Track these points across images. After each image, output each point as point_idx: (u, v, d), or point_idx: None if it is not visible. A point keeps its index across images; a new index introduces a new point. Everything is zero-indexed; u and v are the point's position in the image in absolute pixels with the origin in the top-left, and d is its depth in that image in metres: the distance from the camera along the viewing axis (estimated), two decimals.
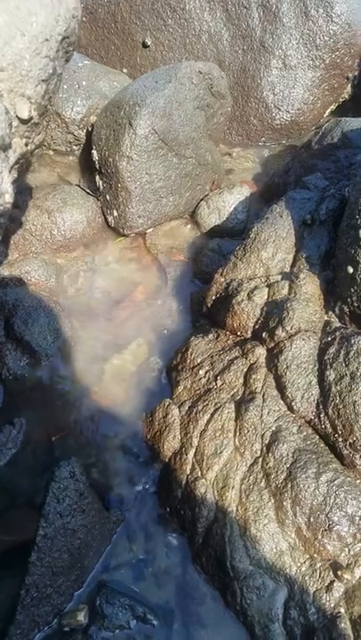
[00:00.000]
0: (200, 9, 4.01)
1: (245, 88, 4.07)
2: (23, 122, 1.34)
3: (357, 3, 3.83)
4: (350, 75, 4.10)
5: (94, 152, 3.35)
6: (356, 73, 4.12)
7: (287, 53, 3.93)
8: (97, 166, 3.35)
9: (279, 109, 4.06)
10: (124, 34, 4.27)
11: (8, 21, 1.23)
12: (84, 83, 3.72)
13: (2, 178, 1.21)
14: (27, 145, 1.39)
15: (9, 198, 1.31)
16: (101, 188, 3.38)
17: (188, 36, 4.11)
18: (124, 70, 4.35)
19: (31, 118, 1.36)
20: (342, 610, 1.74)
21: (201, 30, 4.07)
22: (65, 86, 3.63)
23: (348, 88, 4.22)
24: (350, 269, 2.09)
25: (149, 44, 4.20)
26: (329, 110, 4.25)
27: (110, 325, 3.00)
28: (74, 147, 3.74)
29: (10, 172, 1.31)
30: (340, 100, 4.26)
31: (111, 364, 2.78)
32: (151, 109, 3.11)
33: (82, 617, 1.88)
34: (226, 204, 3.52)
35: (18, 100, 1.29)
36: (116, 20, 4.23)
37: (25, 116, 1.32)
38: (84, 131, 3.66)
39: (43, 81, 1.33)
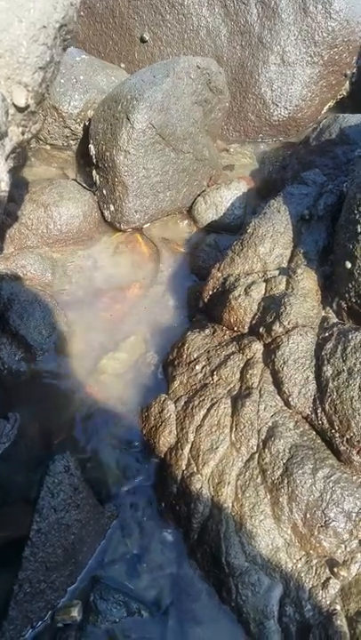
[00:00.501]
0: (198, 4, 3.99)
1: (243, 84, 4.05)
2: (20, 110, 1.32)
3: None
4: (348, 72, 4.09)
5: (91, 146, 3.32)
6: (355, 70, 4.11)
7: (285, 50, 3.92)
8: (94, 160, 3.33)
9: (277, 105, 4.04)
10: (122, 29, 4.24)
11: (5, 7, 1.20)
12: (81, 77, 3.69)
13: None
14: (23, 134, 1.37)
15: (4, 187, 1.28)
16: (98, 182, 3.35)
17: (187, 31, 4.09)
18: (122, 65, 4.32)
19: (28, 106, 1.33)
20: (338, 607, 1.73)
21: (199, 26, 4.04)
22: (62, 80, 3.60)
23: (347, 85, 4.21)
24: (348, 264, 2.08)
25: (147, 39, 4.18)
26: (327, 107, 4.24)
27: (106, 320, 2.98)
28: (71, 141, 3.72)
29: (6, 160, 1.28)
30: (338, 96, 4.25)
31: (107, 358, 2.76)
32: (149, 104, 3.09)
33: (75, 613, 1.86)
34: (223, 200, 3.51)
35: (15, 87, 1.26)
36: (115, 15, 4.21)
37: (22, 103, 1.30)
38: (81, 125, 3.64)
39: (40, 68, 1.31)
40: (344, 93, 4.26)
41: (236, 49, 4.03)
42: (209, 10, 3.98)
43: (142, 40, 4.19)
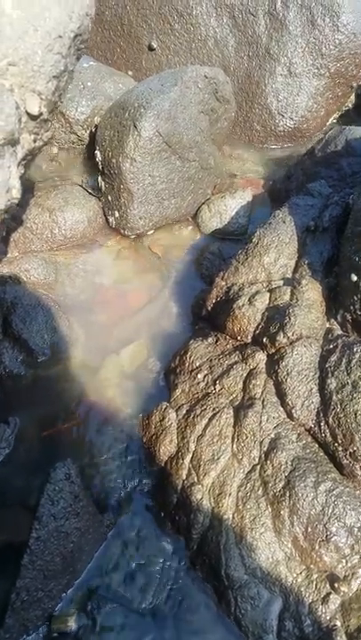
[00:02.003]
0: (207, 14, 4.02)
1: (250, 94, 4.08)
2: (32, 118, 1.32)
3: None
4: (354, 84, 4.12)
5: (97, 152, 3.33)
6: None
7: (292, 61, 3.95)
8: (100, 167, 3.33)
9: (283, 116, 4.07)
10: (130, 36, 4.27)
11: (22, 16, 1.21)
12: (88, 84, 3.71)
13: (10, 173, 1.19)
14: (35, 141, 1.37)
15: (16, 194, 1.28)
16: (103, 188, 3.36)
17: (195, 40, 4.11)
18: (130, 73, 4.35)
19: (41, 114, 1.33)
20: (338, 623, 1.71)
21: (207, 36, 4.07)
22: (70, 86, 3.60)
23: (352, 97, 4.24)
24: (354, 277, 2.08)
25: (155, 47, 4.20)
26: (332, 118, 4.27)
27: (109, 326, 2.98)
28: (77, 147, 3.73)
29: (17, 167, 1.29)
30: (344, 108, 4.28)
31: (109, 364, 2.75)
32: (156, 112, 3.10)
33: (72, 622, 1.84)
34: (227, 208, 3.52)
35: (28, 95, 1.27)
36: (123, 23, 4.24)
37: (35, 111, 1.30)
38: (88, 131, 3.65)
39: (54, 77, 1.31)
40: (350, 105, 4.29)
41: (243, 59, 4.06)
42: (217, 20, 4.01)
43: (150, 48, 4.22)
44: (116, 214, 3.34)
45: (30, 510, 1.96)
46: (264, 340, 2.28)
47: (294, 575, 1.82)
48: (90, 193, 3.42)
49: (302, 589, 1.80)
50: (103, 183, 3.36)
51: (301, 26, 3.87)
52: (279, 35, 3.91)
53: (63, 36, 1.29)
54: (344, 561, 1.79)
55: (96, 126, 3.48)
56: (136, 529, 2.13)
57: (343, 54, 3.90)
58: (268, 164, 4.11)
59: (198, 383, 2.37)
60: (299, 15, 3.85)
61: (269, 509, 1.90)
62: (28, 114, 1.30)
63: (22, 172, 1.38)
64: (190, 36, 4.09)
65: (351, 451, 1.86)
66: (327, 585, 1.78)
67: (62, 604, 1.92)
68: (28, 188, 3.26)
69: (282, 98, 4.02)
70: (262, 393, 2.13)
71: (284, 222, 2.67)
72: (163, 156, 3.21)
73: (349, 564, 1.78)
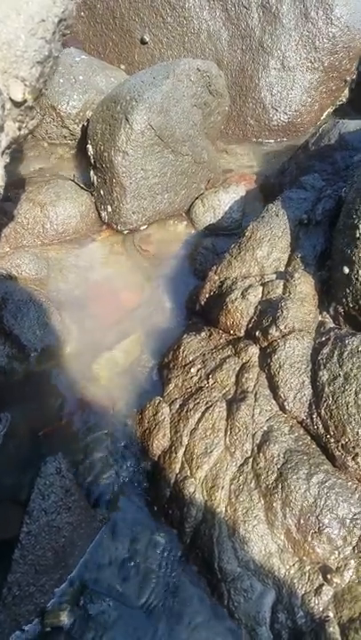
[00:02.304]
0: (199, 7, 3.99)
1: (243, 88, 4.06)
2: (16, 105, 1.30)
3: (357, 6, 3.83)
4: (348, 78, 4.10)
5: (89, 146, 3.31)
6: (354, 76, 4.12)
7: (286, 55, 3.93)
8: (92, 161, 3.31)
9: (277, 110, 4.05)
10: (122, 30, 4.24)
11: None
12: (80, 77, 3.68)
13: None
14: (20, 129, 1.35)
15: (0, 181, 1.26)
16: (96, 182, 3.34)
17: (187, 34, 4.09)
18: (122, 66, 4.32)
19: (25, 101, 1.32)
20: (331, 614, 1.71)
21: (200, 29, 4.05)
22: (61, 80, 3.59)
23: (346, 91, 4.23)
24: (346, 270, 2.07)
25: (148, 40, 4.18)
26: (326, 113, 4.26)
27: (102, 321, 2.96)
28: (69, 141, 3.71)
29: (2, 155, 1.27)
30: (338, 102, 4.27)
31: (102, 359, 2.74)
32: (148, 105, 3.08)
33: (64, 617, 1.83)
34: (221, 203, 3.50)
35: (12, 81, 1.25)
36: (115, 16, 4.21)
37: (19, 98, 1.28)
38: (80, 125, 3.63)
39: (38, 63, 1.29)
40: (344, 99, 4.28)
41: (236, 53, 4.04)
42: (210, 13, 3.99)
43: (143, 42, 4.19)
44: (109, 209, 3.31)
45: (21, 506, 1.94)
46: (257, 333, 2.27)
47: (287, 567, 1.82)
48: (82, 187, 3.40)
49: (295, 581, 1.80)
50: (95, 177, 3.33)
51: (295, 19, 3.85)
52: (273, 28, 3.90)
53: (47, 20, 1.26)
54: (337, 552, 1.78)
55: (88, 120, 3.45)
56: (129, 523, 2.12)
57: (337, 48, 3.88)
58: (262, 158, 4.09)
59: (191, 377, 2.36)
60: (292, 8, 3.83)
61: (262, 502, 1.89)
62: (11, 100, 1.27)
63: (7, 161, 1.36)
64: (183, 29, 4.06)
65: (343, 442, 1.85)
66: (320, 576, 1.78)
67: (55, 598, 1.90)
68: (19, 182, 3.23)
69: (276, 92, 4.01)
70: (255, 386, 2.12)
71: (277, 216, 2.65)
72: (155, 150, 3.19)
73: (342, 556, 1.78)
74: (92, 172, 3.36)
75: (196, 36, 4.07)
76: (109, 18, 4.22)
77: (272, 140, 4.18)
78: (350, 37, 3.87)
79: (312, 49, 3.89)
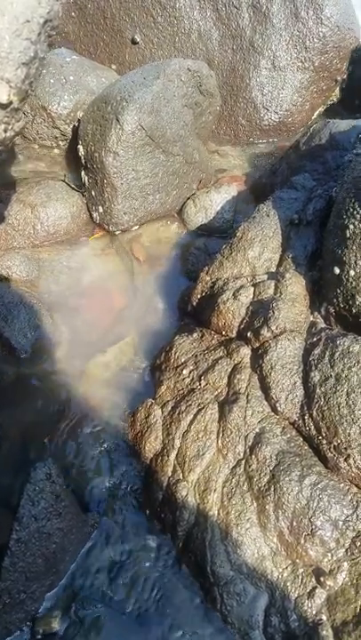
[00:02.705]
0: (190, 7, 3.98)
1: (234, 88, 4.05)
2: (2, 107, 1.28)
3: (347, 6, 3.83)
4: (339, 77, 4.10)
5: (80, 147, 3.29)
6: (345, 76, 4.12)
7: (277, 54, 3.92)
8: (83, 161, 3.29)
9: (268, 110, 4.04)
10: (113, 30, 4.22)
11: None
12: (71, 78, 3.66)
13: None
14: (5, 131, 1.33)
15: None
16: (87, 183, 3.32)
17: (178, 34, 4.07)
18: (113, 67, 4.30)
19: (10, 103, 1.29)
20: (324, 617, 1.70)
21: (191, 29, 4.03)
22: (52, 81, 3.57)
23: (337, 91, 4.23)
24: (337, 270, 2.06)
25: (138, 40, 4.16)
26: (317, 112, 4.25)
27: (93, 322, 2.94)
28: (60, 142, 3.68)
29: None
30: (329, 102, 4.26)
31: (93, 361, 2.72)
32: (139, 105, 3.06)
33: (56, 623, 1.81)
34: (213, 203, 3.49)
35: None
36: (106, 17, 4.18)
37: (4, 100, 1.26)
38: (71, 126, 3.60)
39: (23, 64, 1.27)
40: (334, 99, 4.27)
41: (227, 52, 4.03)
42: (200, 13, 3.97)
43: (133, 42, 4.17)
44: (100, 209, 3.30)
45: (11, 511, 1.92)
46: (248, 334, 2.26)
47: (280, 570, 1.81)
48: (73, 188, 3.37)
49: (288, 584, 1.79)
50: (86, 178, 3.31)
51: (285, 19, 3.84)
52: (263, 28, 3.89)
53: (32, 20, 1.25)
54: (330, 555, 1.78)
55: (79, 120, 3.43)
56: (121, 527, 2.11)
57: (327, 47, 3.88)
58: (253, 158, 4.08)
59: (183, 379, 2.34)
60: (282, 8, 3.82)
61: (255, 504, 1.88)
62: None
63: None
64: (174, 29, 4.05)
65: (335, 444, 1.84)
66: (313, 579, 1.77)
67: (46, 605, 1.89)
68: (10, 183, 3.21)
69: (266, 91, 4.00)
70: (247, 387, 2.11)
71: (268, 216, 2.64)
72: (146, 150, 3.18)
73: (335, 558, 1.77)
74: (83, 173, 3.34)
75: (187, 36, 4.06)
76: (100, 18, 4.20)
77: (263, 140, 4.17)
78: (340, 37, 3.87)
79: (303, 49, 3.89)
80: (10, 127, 1.34)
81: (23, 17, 1.22)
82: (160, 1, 3.99)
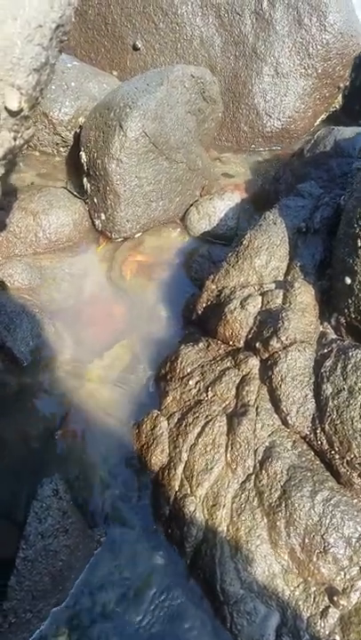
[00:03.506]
0: (192, 14, 3.96)
1: (237, 94, 4.03)
2: (12, 114, 1.24)
3: (350, 13, 3.83)
4: (342, 84, 4.09)
5: (82, 154, 3.25)
6: (348, 83, 4.11)
7: (279, 61, 3.91)
8: (85, 168, 3.25)
9: (270, 117, 4.02)
10: (114, 36, 4.20)
11: None
12: (72, 84, 3.63)
13: None
14: (15, 139, 1.29)
15: None
16: (89, 190, 3.28)
17: (180, 40, 4.06)
18: (114, 73, 4.27)
19: (21, 110, 1.26)
20: (338, 637, 1.66)
21: (193, 35, 4.02)
22: (53, 87, 3.53)
23: (339, 98, 4.22)
24: (348, 280, 2.03)
25: (140, 46, 4.14)
26: (320, 119, 4.24)
27: (96, 331, 2.90)
28: (61, 148, 3.64)
29: None
30: (331, 109, 4.25)
31: (97, 371, 2.67)
32: (142, 111, 3.03)
33: None
34: (216, 210, 3.46)
35: (7, 89, 1.19)
36: (107, 22, 4.16)
37: (14, 107, 1.22)
38: (72, 132, 3.57)
39: (34, 70, 1.23)
40: (337, 106, 4.26)
41: (229, 59, 4.01)
42: (203, 19, 3.96)
43: (135, 48, 4.15)
44: (103, 217, 3.26)
45: (16, 524, 1.87)
46: (257, 344, 2.22)
47: (292, 588, 1.76)
48: (75, 195, 3.34)
49: (300, 603, 1.74)
50: (89, 185, 3.28)
51: (288, 25, 3.83)
52: (266, 34, 3.87)
53: (44, 25, 1.21)
54: (343, 573, 1.73)
55: (80, 127, 3.40)
56: (128, 542, 2.06)
57: (330, 54, 3.87)
58: (255, 165, 4.06)
59: (190, 390, 2.30)
60: (285, 15, 3.81)
61: (265, 520, 1.83)
62: (7, 110, 1.22)
63: (2, 171, 1.31)
64: (176, 35, 4.03)
65: (348, 459, 1.80)
66: (326, 598, 1.72)
67: (52, 623, 1.83)
68: (11, 191, 3.16)
69: (269, 98, 3.98)
70: (256, 399, 2.07)
71: (274, 224, 2.61)
72: (150, 157, 3.15)
73: (348, 576, 1.73)
74: (85, 180, 3.31)
75: (189, 43, 4.04)
76: (101, 24, 4.18)
77: (266, 147, 4.15)
78: (344, 44, 3.86)
79: (305, 55, 3.88)
80: (19, 135, 1.30)
81: (35, 22, 1.18)
82: (162, 7, 3.98)
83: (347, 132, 3.30)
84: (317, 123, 4.23)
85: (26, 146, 3.37)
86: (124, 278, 3.18)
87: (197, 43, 4.03)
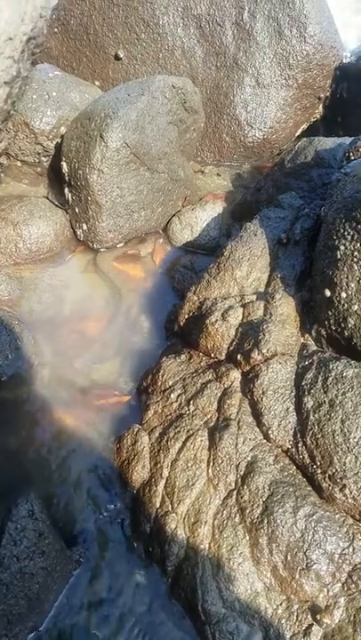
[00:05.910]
0: (174, 24, 3.97)
1: (218, 105, 4.04)
2: None
3: (330, 24, 3.86)
4: (322, 95, 4.12)
5: (63, 164, 3.22)
6: (328, 93, 4.15)
7: (260, 72, 3.93)
8: (66, 178, 3.22)
9: (252, 127, 4.03)
10: (96, 46, 4.19)
11: None
12: (54, 93, 3.60)
13: None
14: None
15: None
16: (70, 200, 3.25)
17: (162, 50, 4.06)
18: (96, 83, 4.26)
19: None
20: None
21: (174, 45, 4.02)
22: (34, 96, 3.50)
23: (320, 108, 4.25)
24: (328, 292, 2.02)
25: (122, 57, 4.13)
26: (301, 130, 4.26)
27: (77, 343, 2.86)
28: (42, 158, 3.60)
29: None
30: (312, 119, 4.28)
31: (77, 383, 2.63)
32: (123, 122, 3.02)
33: None
34: (198, 221, 3.45)
35: None
36: (89, 33, 4.15)
37: None
38: (54, 142, 3.54)
39: (5, 83, 1.21)
40: (318, 116, 4.29)
41: (211, 70, 4.02)
42: (184, 30, 3.97)
43: (117, 58, 4.14)
44: (84, 227, 3.23)
45: None
46: (238, 357, 2.20)
47: (274, 607, 1.73)
48: (56, 205, 3.31)
49: (283, 621, 1.71)
50: (70, 195, 3.25)
51: (269, 37, 3.86)
52: (247, 45, 3.89)
53: (14, 38, 1.19)
54: (325, 590, 1.71)
55: (62, 137, 3.37)
56: (107, 562, 2.01)
57: (311, 65, 3.90)
58: (237, 176, 4.07)
59: (171, 403, 2.27)
60: (266, 26, 3.84)
61: (247, 537, 1.80)
62: None
63: None
64: (157, 45, 4.03)
65: (330, 473, 1.78)
66: (309, 616, 1.70)
67: None
68: None
69: (250, 109, 3.99)
70: (238, 413, 2.05)
71: (255, 235, 2.61)
72: (131, 168, 3.13)
73: (331, 593, 1.70)
74: (66, 190, 3.27)
75: (171, 53, 4.05)
76: (83, 34, 4.16)
77: (247, 157, 4.16)
78: (324, 55, 3.90)
79: (286, 66, 3.90)
80: None
81: (5, 34, 1.15)
82: (143, 18, 3.98)
83: (327, 142, 3.31)
84: (298, 133, 4.26)
85: (5, 154, 3.34)
86: (108, 288, 3.15)
87: (179, 53, 4.04)
